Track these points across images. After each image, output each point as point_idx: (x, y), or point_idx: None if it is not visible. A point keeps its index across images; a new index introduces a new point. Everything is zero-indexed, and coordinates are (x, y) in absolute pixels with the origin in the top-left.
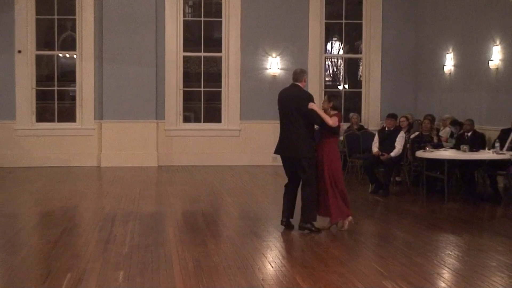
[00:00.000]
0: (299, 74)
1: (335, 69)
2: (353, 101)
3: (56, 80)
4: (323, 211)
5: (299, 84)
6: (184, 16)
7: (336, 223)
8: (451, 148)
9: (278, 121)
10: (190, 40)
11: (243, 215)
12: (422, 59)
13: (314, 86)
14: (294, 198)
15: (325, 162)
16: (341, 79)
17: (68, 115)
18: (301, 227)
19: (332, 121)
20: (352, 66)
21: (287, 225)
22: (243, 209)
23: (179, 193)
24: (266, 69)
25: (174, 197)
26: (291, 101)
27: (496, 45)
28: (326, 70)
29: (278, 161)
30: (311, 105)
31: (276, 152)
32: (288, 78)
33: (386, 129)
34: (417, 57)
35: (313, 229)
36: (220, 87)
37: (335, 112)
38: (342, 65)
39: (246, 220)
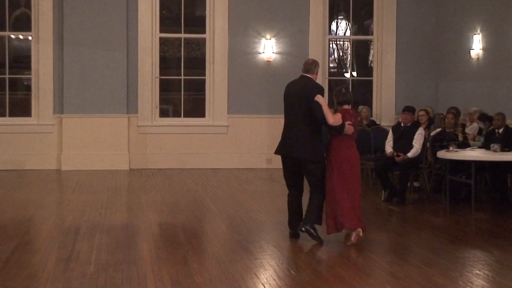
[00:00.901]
0: (311, 65)
1: (341, 54)
2: (362, 92)
3: (7, 66)
4: (333, 223)
5: (309, 76)
6: None
7: (343, 233)
8: (479, 147)
9: (273, 116)
10: (168, 19)
11: (232, 227)
12: (445, 41)
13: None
14: (299, 207)
15: (335, 167)
16: (348, 65)
17: (22, 108)
18: (301, 228)
19: (333, 118)
20: (361, 50)
21: (294, 237)
22: (232, 220)
23: (155, 201)
24: (259, 53)
25: (149, 206)
26: (298, 94)
27: None
28: (330, 55)
29: (274, 163)
30: (317, 97)
31: (276, 152)
32: (285, 64)
33: (402, 125)
34: (438, 38)
35: (314, 233)
36: (204, 75)
37: (343, 108)
38: (349, 48)
39: (235, 233)
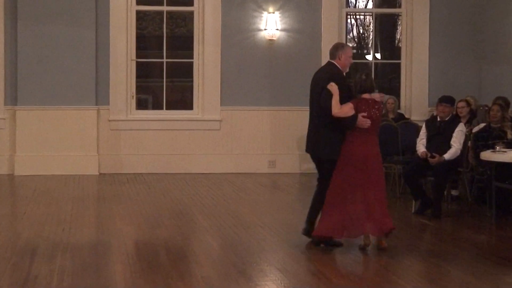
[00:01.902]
0: (332, 49)
1: (361, 31)
2: (388, 78)
3: None
4: (354, 230)
5: (333, 62)
6: None
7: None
8: None
9: (277, 108)
10: None
11: (226, 246)
12: (490, 16)
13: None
14: None
15: (347, 165)
16: (370, 46)
17: None
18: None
19: (338, 109)
20: (386, 26)
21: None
22: (226, 237)
23: (131, 214)
24: (260, 30)
25: (123, 220)
26: (316, 83)
27: None
28: (348, 32)
29: (278, 166)
30: (330, 85)
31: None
32: (292, 44)
33: (438, 119)
34: (482, 12)
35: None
36: (192, 57)
37: (361, 97)
38: (371, 24)
39: (230, 253)
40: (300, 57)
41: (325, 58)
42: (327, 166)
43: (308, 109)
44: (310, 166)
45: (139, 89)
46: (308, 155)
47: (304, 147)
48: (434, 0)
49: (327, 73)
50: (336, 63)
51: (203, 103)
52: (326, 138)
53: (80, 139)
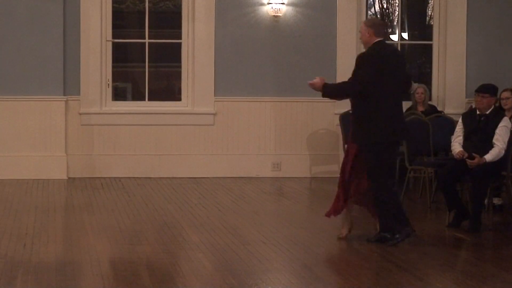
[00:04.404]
0: (383, 27)
1: (385, 5)
2: (417, 63)
3: None
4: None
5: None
6: None
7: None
8: None
9: (283, 99)
10: None
11: (221, 265)
12: None
13: (348, 37)
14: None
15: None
16: (396, 23)
17: None
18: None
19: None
20: (415, 0)
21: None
22: (221, 255)
23: (107, 227)
24: (262, 4)
25: (97, 234)
26: (402, 64)
27: None
28: (370, 7)
29: (284, 169)
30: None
31: None
32: (300, 21)
33: (478, 112)
34: None
35: (396, 237)
36: (180, 38)
37: None
38: None
39: (226, 274)
40: (311, 37)
41: (341, 38)
42: (364, 152)
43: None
44: (321, 169)
45: (116, 75)
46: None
47: (314, 145)
48: None
49: (403, 55)
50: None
51: (193, 92)
52: (362, 123)
53: (44, 136)
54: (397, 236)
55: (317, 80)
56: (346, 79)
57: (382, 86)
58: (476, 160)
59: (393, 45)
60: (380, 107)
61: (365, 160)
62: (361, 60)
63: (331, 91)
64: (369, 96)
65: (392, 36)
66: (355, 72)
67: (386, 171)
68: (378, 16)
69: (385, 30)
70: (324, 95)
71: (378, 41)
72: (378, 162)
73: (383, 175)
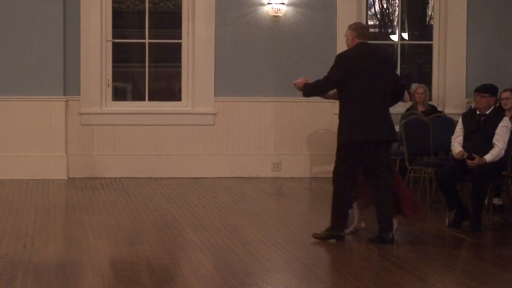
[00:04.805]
0: (367, 30)
1: (385, 5)
2: (417, 63)
3: None
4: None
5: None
6: None
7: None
8: None
9: (283, 99)
10: None
11: (221, 266)
12: None
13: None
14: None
15: None
16: (396, 23)
17: None
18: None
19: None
20: (415, 0)
21: None
22: (221, 255)
23: (107, 227)
24: (262, 4)
25: (97, 234)
26: (386, 65)
27: None
28: (370, 7)
29: (284, 169)
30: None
31: None
32: (301, 21)
33: (478, 112)
34: None
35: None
36: (180, 38)
37: None
38: None
39: (226, 275)
40: (311, 37)
41: (341, 38)
42: (389, 148)
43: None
44: (321, 169)
45: (116, 75)
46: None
47: (314, 145)
48: None
49: (391, 56)
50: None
51: (193, 92)
52: (392, 120)
53: (44, 136)
54: (329, 232)
55: (300, 80)
56: None
57: (355, 87)
58: (476, 161)
59: (377, 48)
60: (352, 108)
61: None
62: (336, 59)
63: (308, 89)
64: (344, 97)
65: (392, 36)
66: (329, 71)
67: (349, 173)
68: (378, 16)
69: (368, 33)
70: (303, 95)
71: (359, 42)
72: (341, 161)
73: (344, 177)
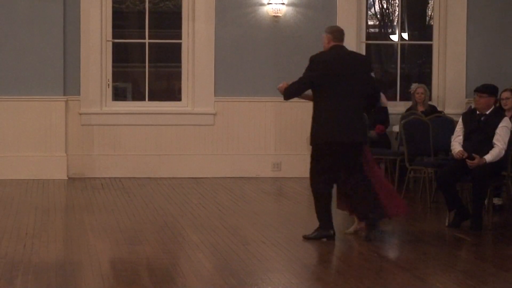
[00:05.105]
0: (342, 34)
1: (385, 5)
2: (417, 63)
3: None
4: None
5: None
6: None
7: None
8: None
9: (282, 100)
10: None
11: (221, 266)
12: None
13: (349, 37)
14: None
15: None
16: (396, 23)
17: None
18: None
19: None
20: (415, 0)
21: None
22: (221, 255)
23: (107, 227)
24: (262, 4)
25: (97, 234)
26: (357, 67)
27: None
28: (369, 7)
29: (284, 169)
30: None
31: None
32: (301, 21)
33: (478, 112)
34: None
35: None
36: (180, 38)
37: None
38: None
39: (226, 274)
40: (311, 37)
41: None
42: (360, 150)
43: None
44: None
45: (116, 75)
46: None
47: None
48: None
49: (366, 59)
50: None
51: (193, 92)
52: (364, 123)
53: (44, 136)
54: (318, 232)
55: (282, 85)
56: None
57: (328, 89)
58: (476, 161)
59: (353, 52)
60: (322, 110)
61: (359, 155)
62: (310, 61)
63: (286, 92)
64: (317, 98)
65: (392, 36)
66: (303, 73)
67: (322, 173)
68: (378, 16)
69: (343, 36)
70: (284, 98)
71: (334, 45)
72: (315, 164)
73: (319, 176)
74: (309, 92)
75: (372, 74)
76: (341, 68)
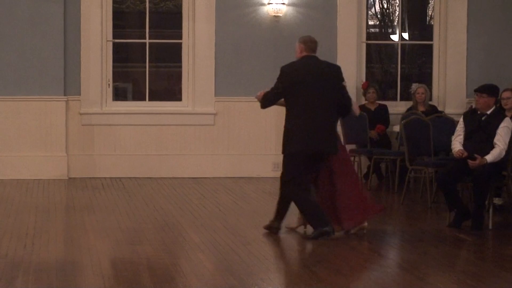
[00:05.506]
0: (315, 44)
1: (385, 5)
2: (418, 63)
3: None
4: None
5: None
6: None
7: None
8: None
9: (283, 99)
10: None
11: (222, 266)
12: None
13: (349, 37)
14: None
15: None
16: (396, 23)
17: None
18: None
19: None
20: (416, 0)
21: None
22: (221, 255)
23: (107, 227)
24: (263, 4)
25: (97, 234)
26: (327, 77)
27: None
28: (370, 7)
29: None
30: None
31: None
32: (301, 21)
33: (478, 112)
34: None
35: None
36: (180, 38)
37: None
38: None
39: (227, 274)
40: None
41: (341, 39)
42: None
43: None
44: None
45: (117, 75)
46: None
47: None
48: None
49: (337, 69)
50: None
51: (194, 92)
52: (335, 133)
53: (45, 136)
54: (317, 232)
55: (259, 94)
56: (345, 79)
57: (298, 99)
58: (477, 161)
59: (325, 62)
60: (292, 119)
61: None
62: (280, 71)
63: (261, 101)
64: (288, 107)
65: (392, 36)
66: (275, 82)
67: (293, 179)
68: (379, 16)
69: (316, 47)
70: (261, 107)
71: (305, 55)
72: (286, 171)
73: (292, 184)
74: (282, 100)
75: (344, 84)
76: (311, 78)
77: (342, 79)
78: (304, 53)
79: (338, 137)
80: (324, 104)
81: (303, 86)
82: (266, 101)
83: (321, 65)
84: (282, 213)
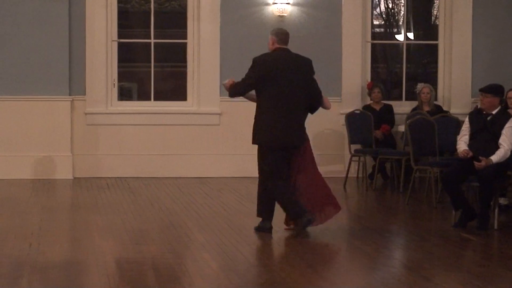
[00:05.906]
0: (287, 36)
1: (390, 5)
2: (423, 63)
3: None
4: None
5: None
6: None
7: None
8: None
9: (254, 94)
10: None
11: (227, 265)
12: None
13: (354, 37)
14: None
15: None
16: (401, 23)
17: None
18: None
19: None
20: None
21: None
22: (226, 255)
23: (112, 227)
24: (267, 4)
25: (102, 234)
26: (298, 71)
27: None
28: (375, 7)
29: None
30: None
31: None
32: (306, 20)
33: (484, 112)
34: None
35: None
36: (185, 38)
37: None
38: None
39: (232, 275)
40: (316, 37)
41: (346, 38)
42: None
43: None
44: (327, 169)
45: (122, 75)
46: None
47: (320, 145)
48: None
49: (309, 62)
50: None
51: (199, 92)
52: (303, 126)
53: (50, 136)
54: (296, 224)
55: (227, 81)
56: (350, 79)
57: (268, 91)
58: (483, 162)
59: (297, 55)
60: (262, 110)
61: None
62: (252, 62)
63: (230, 90)
64: (259, 99)
65: (397, 36)
66: (246, 73)
67: (270, 172)
68: (384, 16)
69: (288, 39)
70: (229, 95)
71: (278, 47)
72: (261, 162)
73: (268, 175)
74: (253, 93)
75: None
76: (281, 70)
77: (313, 72)
78: (276, 45)
79: (305, 130)
80: (294, 96)
81: (275, 78)
82: (236, 92)
83: (293, 58)
84: (269, 212)
